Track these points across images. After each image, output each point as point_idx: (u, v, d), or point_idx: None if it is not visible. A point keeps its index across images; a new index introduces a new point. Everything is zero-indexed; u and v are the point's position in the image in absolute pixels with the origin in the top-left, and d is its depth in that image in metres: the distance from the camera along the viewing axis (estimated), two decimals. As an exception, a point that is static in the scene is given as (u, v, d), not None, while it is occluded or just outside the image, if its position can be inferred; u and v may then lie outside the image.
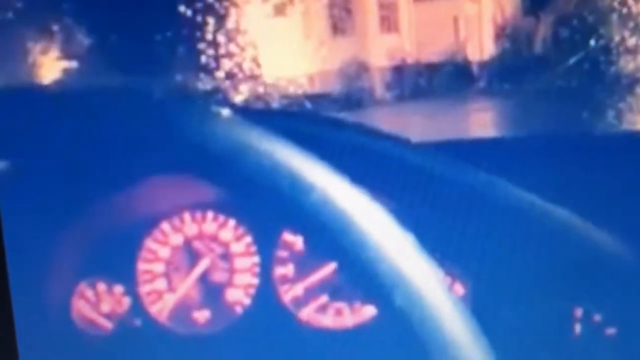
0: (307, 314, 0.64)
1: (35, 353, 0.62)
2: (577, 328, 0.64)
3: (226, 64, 0.62)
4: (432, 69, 0.63)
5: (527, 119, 0.64)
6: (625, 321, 0.64)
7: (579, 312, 0.63)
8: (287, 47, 0.63)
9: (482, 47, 0.63)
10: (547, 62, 0.63)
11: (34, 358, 0.63)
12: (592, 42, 0.62)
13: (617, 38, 0.62)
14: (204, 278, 0.64)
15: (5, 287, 0.62)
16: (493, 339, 0.63)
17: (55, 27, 0.61)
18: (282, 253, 0.63)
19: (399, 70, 0.63)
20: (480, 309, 0.63)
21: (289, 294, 0.64)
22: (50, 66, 0.62)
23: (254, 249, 0.63)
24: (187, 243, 0.63)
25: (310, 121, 0.63)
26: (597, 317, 0.63)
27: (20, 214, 0.62)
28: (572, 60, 0.62)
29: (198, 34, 0.61)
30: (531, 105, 0.63)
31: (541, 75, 0.63)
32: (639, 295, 0.63)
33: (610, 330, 0.63)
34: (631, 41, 0.62)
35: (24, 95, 0.62)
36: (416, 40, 0.63)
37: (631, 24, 0.62)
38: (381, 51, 0.63)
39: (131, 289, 0.63)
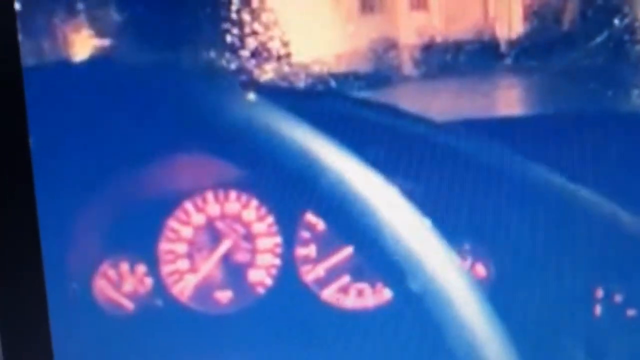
0: (328, 294, 0.64)
1: (65, 333, 0.62)
2: (598, 309, 0.63)
3: (252, 43, 0.61)
4: (460, 46, 0.62)
5: (554, 98, 0.64)
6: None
7: (599, 293, 0.63)
8: (314, 25, 0.61)
9: (510, 25, 0.62)
10: (575, 40, 0.62)
11: (64, 338, 0.63)
12: (620, 21, 0.61)
13: (642, 18, 0.61)
14: (226, 258, 0.63)
15: (39, 265, 0.61)
16: (512, 320, 0.63)
17: (82, 6, 0.60)
18: (304, 234, 0.63)
19: (427, 48, 0.62)
20: (501, 290, 0.63)
21: (310, 274, 0.63)
22: (78, 44, 0.61)
23: (275, 229, 0.63)
24: (210, 223, 0.63)
25: (335, 102, 0.62)
26: (618, 298, 0.63)
27: (44, 192, 0.62)
28: (599, 39, 0.61)
29: (224, 12, 0.60)
30: (559, 84, 0.63)
31: (569, 53, 0.62)
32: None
33: (631, 312, 0.63)
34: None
35: (53, 73, 0.61)
36: (445, 18, 0.62)
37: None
38: (410, 28, 0.62)
39: (153, 269, 0.63)
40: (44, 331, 0.62)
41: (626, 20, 0.61)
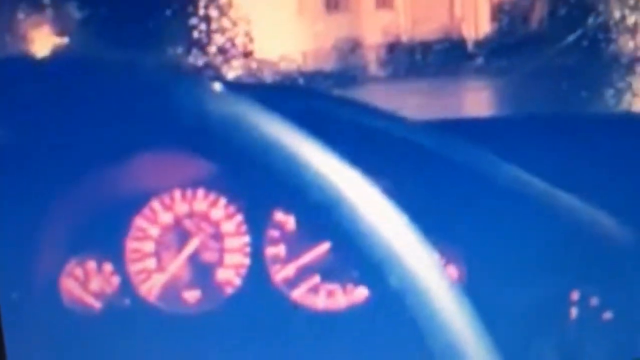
0: (298, 294, 0.63)
1: (22, 332, 0.62)
2: (574, 312, 0.63)
3: (219, 39, 0.61)
4: (427, 46, 0.62)
5: (522, 98, 0.64)
6: (622, 305, 0.63)
7: (575, 295, 0.63)
8: (280, 23, 0.62)
9: (477, 25, 0.62)
10: (543, 40, 0.62)
11: (21, 337, 0.62)
12: (588, 20, 0.61)
13: (613, 16, 0.61)
14: (194, 257, 0.63)
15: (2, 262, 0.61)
16: (488, 321, 0.62)
17: (46, 2, 0.60)
18: (274, 233, 0.63)
19: (393, 48, 0.62)
20: (475, 292, 0.62)
21: (280, 274, 0.63)
22: (41, 41, 0.61)
23: (244, 228, 0.63)
24: (178, 222, 0.62)
25: (303, 98, 0.62)
26: (594, 301, 0.63)
27: (9, 189, 0.61)
28: (568, 39, 0.62)
29: (190, 8, 0.61)
30: (526, 84, 0.63)
31: (537, 53, 0.62)
32: (636, 279, 0.63)
33: (607, 314, 0.63)
34: (629, 19, 0.61)
35: (16, 70, 0.61)
36: (411, 17, 0.62)
37: (629, 1, 0.61)
38: (376, 28, 0.62)
39: (120, 268, 0.62)
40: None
41: (595, 20, 0.62)
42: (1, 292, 0.61)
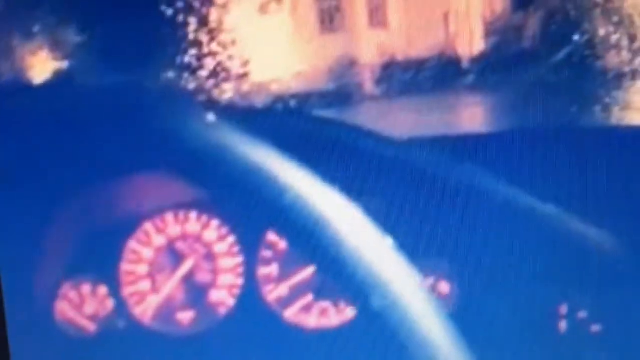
0: (291, 313, 0.63)
1: (17, 355, 0.62)
2: (563, 325, 0.63)
3: (211, 63, 0.61)
4: (422, 64, 0.62)
5: (516, 115, 0.64)
6: (611, 318, 0.63)
7: (564, 309, 0.63)
8: (274, 45, 0.61)
9: (472, 43, 0.62)
10: (536, 57, 0.62)
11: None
12: (581, 37, 0.61)
13: (604, 32, 0.61)
14: (187, 279, 0.63)
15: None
16: (476, 337, 0.63)
17: (40, 27, 0.60)
18: (266, 253, 0.63)
19: (388, 66, 0.62)
20: (464, 308, 0.63)
21: (273, 294, 0.63)
22: (36, 66, 0.61)
23: (237, 249, 0.63)
24: (171, 244, 0.63)
25: (295, 120, 0.62)
26: (582, 314, 0.63)
27: (3, 213, 0.61)
28: (560, 55, 0.62)
29: (183, 32, 0.60)
30: (520, 101, 0.63)
31: (530, 70, 0.62)
32: (624, 292, 0.63)
33: (596, 327, 0.63)
34: (619, 36, 0.61)
35: (11, 94, 0.61)
36: (406, 36, 0.62)
37: (619, 19, 0.61)
38: (370, 47, 0.62)
39: (115, 291, 0.63)
40: (4, 353, 0.62)
41: (586, 36, 0.61)
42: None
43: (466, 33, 0.62)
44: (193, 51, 0.61)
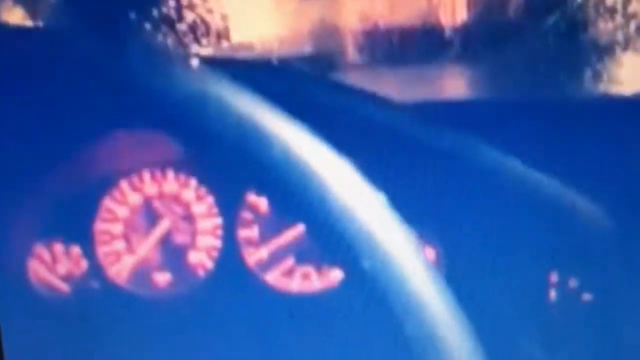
0: (272, 277, 0.62)
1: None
2: (553, 294, 0.62)
3: (190, 17, 0.59)
4: (405, 31, 0.61)
5: (501, 83, 0.63)
6: (601, 287, 0.63)
7: (554, 277, 0.62)
8: (256, 6, 0.60)
9: (454, 9, 0.61)
10: (521, 24, 0.61)
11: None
12: (567, 3, 0.59)
13: None
14: (164, 239, 0.62)
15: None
16: (465, 304, 0.62)
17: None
18: (246, 214, 0.61)
19: (371, 33, 0.60)
20: (453, 274, 0.62)
21: (253, 256, 0.62)
22: (8, 24, 0.59)
23: (216, 210, 0.61)
24: (147, 203, 0.61)
25: (278, 77, 0.61)
26: (573, 283, 0.62)
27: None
28: (546, 23, 0.60)
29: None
30: (505, 69, 0.62)
31: (515, 38, 0.61)
32: (615, 260, 0.62)
33: (587, 296, 0.62)
34: (607, 1, 0.60)
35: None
36: (389, 3, 0.61)
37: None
38: (352, 13, 0.61)
39: (88, 251, 0.61)
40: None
41: (573, 3, 0.60)
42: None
43: (449, 1, 0.61)
44: (172, 3, 0.59)
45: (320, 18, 0.60)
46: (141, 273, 0.62)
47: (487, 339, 0.62)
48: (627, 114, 0.61)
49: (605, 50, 0.60)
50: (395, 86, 0.61)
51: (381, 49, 0.60)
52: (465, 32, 0.60)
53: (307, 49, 0.60)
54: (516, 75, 0.61)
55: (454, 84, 0.62)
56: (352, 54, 0.61)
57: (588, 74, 0.61)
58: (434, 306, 0.61)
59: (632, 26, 0.60)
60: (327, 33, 0.61)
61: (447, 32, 0.60)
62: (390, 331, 0.62)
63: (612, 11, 0.60)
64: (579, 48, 0.60)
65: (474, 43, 0.60)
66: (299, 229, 0.61)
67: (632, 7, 0.60)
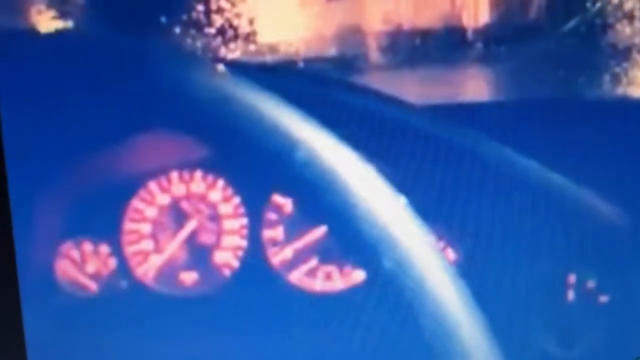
0: (296, 277, 0.63)
1: (28, 315, 0.62)
2: (570, 294, 0.63)
3: (218, 21, 0.60)
4: (427, 33, 0.61)
5: (522, 84, 0.63)
6: (619, 288, 0.63)
7: (572, 278, 0.63)
8: (282, 10, 0.61)
9: (477, 12, 0.62)
10: (542, 27, 0.62)
11: (17, 319, 0.62)
12: (588, 7, 0.61)
13: (612, 2, 0.61)
14: (191, 239, 0.62)
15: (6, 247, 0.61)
16: (485, 304, 0.62)
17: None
18: (272, 215, 0.62)
19: (394, 35, 0.61)
20: (473, 275, 0.62)
21: (278, 256, 0.63)
22: (39, 24, 0.60)
23: (242, 210, 0.62)
24: (175, 203, 0.62)
25: (304, 80, 0.62)
26: (591, 284, 0.63)
27: (4, 170, 0.61)
28: (567, 25, 0.61)
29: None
30: (526, 70, 0.63)
31: (536, 40, 0.62)
32: (632, 262, 0.63)
33: (604, 297, 0.63)
34: (628, 5, 0.61)
35: (17, 50, 0.60)
36: (412, 5, 0.62)
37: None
38: (376, 15, 0.62)
39: (117, 250, 0.62)
40: (14, 313, 0.61)
41: (593, 7, 0.61)
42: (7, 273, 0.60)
43: (472, 3, 0.62)
44: (200, 7, 0.60)
45: (345, 20, 0.61)
46: (168, 272, 0.63)
47: (505, 339, 0.63)
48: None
49: (625, 53, 0.61)
50: (418, 87, 0.62)
51: (404, 51, 0.61)
52: (488, 34, 0.61)
53: (331, 51, 0.61)
54: (537, 77, 0.62)
55: (476, 86, 0.63)
56: (375, 55, 0.62)
57: (607, 76, 0.62)
58: (454, 306, 0.62)
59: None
60: (351, 35, 0.61)
61: (470, 34, 0.61)
62: (410, 330, 0.62)
63: (631, 15, 0.61)
64: (598, 50, 0.61)
65: (497, 45, 0.61)
66: (322, 229, 0.62)
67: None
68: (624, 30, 0.61)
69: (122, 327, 0.63)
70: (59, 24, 0.60)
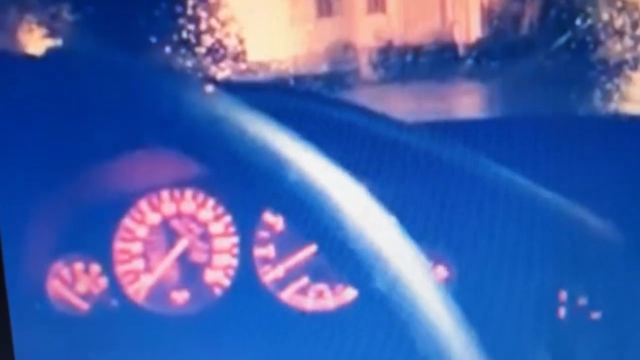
0: (287, 295, 0.63)
1: (17, 334, 0.61)
2: (562, 312, 0.63)
3: (208, 40, 0.61)
4: (418, 50, 0.62)
5: (514, 101, 0.64)
6: (610, 305, 0.63)
7: (564, 295, 0.63)
8: (272, 28, 0.61)
9: (469, 28, 0.62)
10: (533, 43, 0.62)
11: (7, 338, 0.61)
12: (579, 23, 0.61)
13: (603, 19, 0.61)
14: (182, 258, 0.63)
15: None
16: (476, 322, 0.62)
17: (34, 4, 0.60)
18: (263, 234, 0.62)
19: (385, 51, 0.62)
20: (464, 292, 0.62)
21: (269, 275, 0.63)
22: (32, 43, 0.61)
23: (233, 229, 0.62)
24: (165, 222, 0.62)
25: (294, 99, 0.62)
26: (582, 301, 0.63)
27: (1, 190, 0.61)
28: (558, 42, 0.62)
29: (180, 8, 0.60)
30: (517, 87, 0.63)
31: (527, 56, 0.62)
32: (624, 279, 0.63)
33: (595, 314, 0.63)
34: (618, 22, 0.61)
35: (7, 71, 0.61)
36: (403, 21, 0.62)
37: (618, 4, 0.61)
38: (368, 32, 0.62)
39: (108, 269, 0.62)
40: (4, 332, 0.61)
41: (584, 23, 0.62)
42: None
43: (463, 19, 0.62)
44: (191, 27, 0.60)
45: (335, 37, 0.62)
46: (159, 291, 0.63)
47: (498, 357, 0.63)
48: (636, 132, 0.62)
49: (620, 69, 0.62)
50: (409, 104, 0.63)
51: (396, 67, 0.62)
52: (479, 50, 0.62)
53: (322, 68, 0.62)
54: (528, 94, 0.62)
55: (467, 102, 0.64)
56: (367, 72, 0.62)
57: (598, 92, 0.62)
58: (445, 324, 0.62)
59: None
60: (342, 52, 0.62)
61: (461, 50, 0.62)
62: (401, 349, 0.62)
63: (621, 32, 0.62)
64: (590, 67, 0.62)
65: (488, 61, 0.62)
66: (313, 248, 0.62)
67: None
68: (615, 47, 0.62)
69: (113, 346, 0.63)
70: (49, 43, 0.60)
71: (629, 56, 0.62)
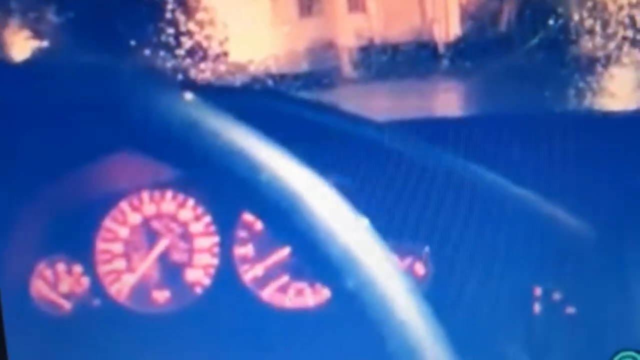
0: (267, 294, 0.64)
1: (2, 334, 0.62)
2: (537, 307, 0.64)
3: (188, 43, 0.61)
4: (398, 48, 0.62)
5: (492, 99, 0.64)
6: (585, 300, 0.64)
7: (538, 290, 0.64)
8: (253, 27, 0.62)
9: (448, 27, 0.63)
10: (512, 41, 0.62)
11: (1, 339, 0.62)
12: (555, 22, 0.62)
13: (579, 17, 0.62)
14: (163, 258, 0.63)
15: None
16: (452, 318, 0.63)
17: (19, 7, 0.60)
18: (242, 233, 0.63)
19: (365, 50, 0.62)
20: (440, 289, 0.63)
21: (249, 274, 0.63)
22: (15, 46, 0.61)
23: (213, 228, 0.63)
24: (146, 223, 0.63)
25: (272, 101, 0.62)
26: (557, 296, 0.63)
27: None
28: (535, 41, 0.62)
29: (160, 11, 0.60)
30: (496, 85, 0.63)
31: (506, 55, 0.62)
32: (598, 274, 0.64)
33: (570, 309, 0.64)
34: (592, 21, 0.62)
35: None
36: (384, 20, 0.62)
37: (592, 4, 0.62)
38: (348, 31, 0.63)
39: (90, 269, 0.63)
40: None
41: (561, 21, 0.62)
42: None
43: (443, 18, 0.63)
44: (170, 30, 0.61)
45: (317, 37, 0.62)
46: (141, 291, 0.64)
47: (472, 354, 0.63)
48: (611, 130, 0.62)
49: (593, 66, 0.62)
50: (389, 102, 0.63)
51: (376, 66, 0.62)
52: (458, 48, 0.62)
53: (303, 67, 0.62)
54: (506, 92, 0.63)
55: (446, 100, 0.64)
56: (347, 71, 0.63)
57: (575, 89, 0.62)
58: (418, 323, 0.63)
59: (612, 45, 0.62)
60: (323, 51, 0.62)
61: (440, 48, 0.62)
62: (375, 348, 0.63)
63: (596, 30, 0.62)
64: (568, 65, 0.62)
65: (466, 58, 0.62)
66: (288, 249, 0.63)
67: (610, 29, 0.62)
68: (592, 44, 0.62)
69: (96, 345, 0.63)
70: (28, 46, 0.61)
71: (603, 53, 0.62)
